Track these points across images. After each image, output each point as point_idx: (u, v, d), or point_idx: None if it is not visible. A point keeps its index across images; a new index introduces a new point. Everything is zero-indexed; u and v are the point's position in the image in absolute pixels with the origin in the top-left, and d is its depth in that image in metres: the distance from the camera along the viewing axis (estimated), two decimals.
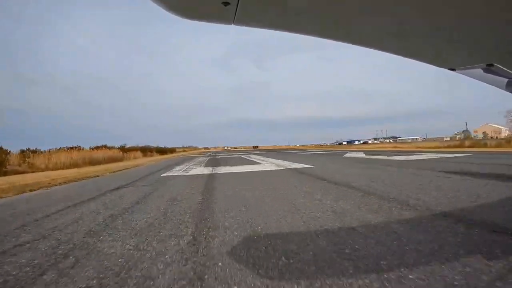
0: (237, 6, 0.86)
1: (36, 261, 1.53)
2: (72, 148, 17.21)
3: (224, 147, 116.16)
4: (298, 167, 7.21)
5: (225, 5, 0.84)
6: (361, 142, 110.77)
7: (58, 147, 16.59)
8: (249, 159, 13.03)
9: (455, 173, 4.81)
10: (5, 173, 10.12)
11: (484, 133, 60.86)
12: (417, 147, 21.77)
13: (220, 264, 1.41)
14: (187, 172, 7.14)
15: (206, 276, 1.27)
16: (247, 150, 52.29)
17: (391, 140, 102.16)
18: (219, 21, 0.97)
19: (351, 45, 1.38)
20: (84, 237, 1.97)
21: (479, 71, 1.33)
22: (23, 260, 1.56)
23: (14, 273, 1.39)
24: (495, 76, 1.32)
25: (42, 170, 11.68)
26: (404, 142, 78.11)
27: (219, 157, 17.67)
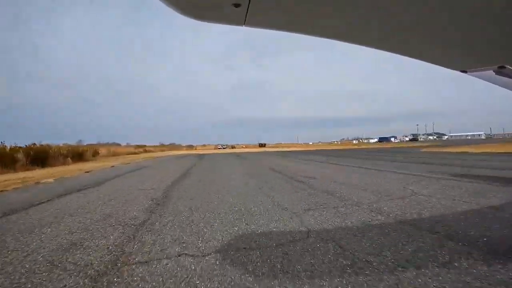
0: (248, 8, 0.89)
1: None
2: None
3: (218, 145, 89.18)
4: None
5: (236, 7, 0.87)
6: (408, 139, 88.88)
7: None
8: None
9: None
10: None
11: None
12: None
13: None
14: None
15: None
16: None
17: (435, 138, 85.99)
18: (230, 23, 0.99)
19: (361, 46, 1.38)
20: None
21: (491, 73, 1.31)
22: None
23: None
24: (507, 78, 1.30)
25: None
26: (468, 142, 41.48)
27: None
